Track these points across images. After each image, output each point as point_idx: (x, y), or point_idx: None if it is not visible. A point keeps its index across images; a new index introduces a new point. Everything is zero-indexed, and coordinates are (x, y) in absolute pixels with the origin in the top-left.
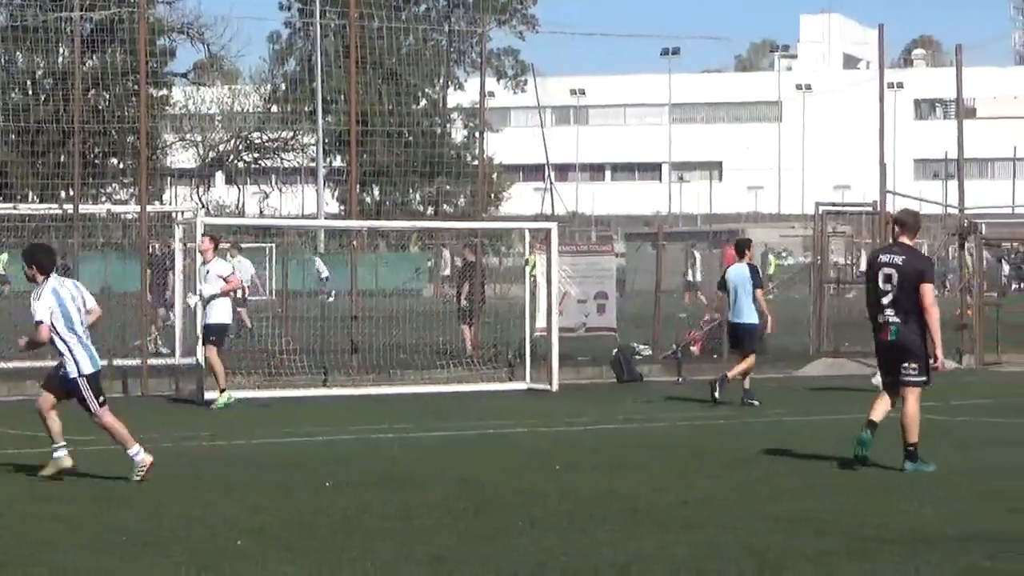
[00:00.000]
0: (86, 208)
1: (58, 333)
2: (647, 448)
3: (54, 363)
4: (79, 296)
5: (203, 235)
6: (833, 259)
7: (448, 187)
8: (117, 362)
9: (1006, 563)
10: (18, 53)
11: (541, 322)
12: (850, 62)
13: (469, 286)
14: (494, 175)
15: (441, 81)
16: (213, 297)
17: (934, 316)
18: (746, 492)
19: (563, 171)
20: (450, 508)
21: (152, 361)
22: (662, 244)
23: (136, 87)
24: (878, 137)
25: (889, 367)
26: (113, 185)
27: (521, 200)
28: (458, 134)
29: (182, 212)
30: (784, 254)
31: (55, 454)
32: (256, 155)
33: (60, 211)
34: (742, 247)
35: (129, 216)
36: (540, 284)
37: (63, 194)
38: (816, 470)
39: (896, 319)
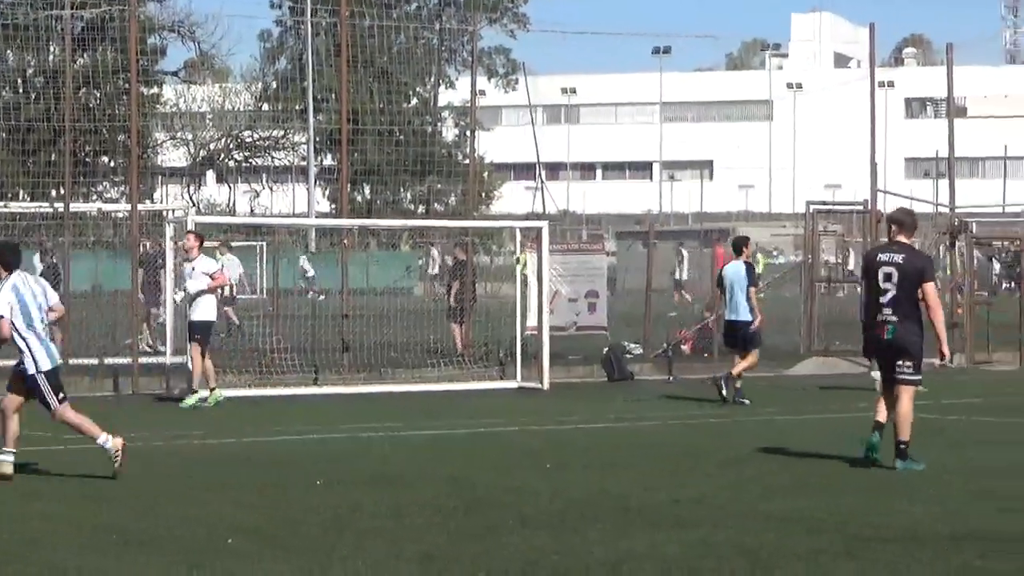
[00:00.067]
0: (77, 207)
1: (17, 330)
2: (638, 447)
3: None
4: (41, 293)
5: (188, 232)
6: (824, 258)
7: (439, 186)
8: (108, 361)
9: (997, 562)
10: (8, 51)
11: (532, 321)
12: (841, 61)
13: (460, 285)
14: (485, 174)
15: (432, 80)
16: (200, 293)
17: (939, 314)
18: (738, 491)
19: (554, 170)
20: (440, 506)
21: (143, 360)
22: (653, 243)
23: (127, 85)
24: (869, 136)
25: (885, 366)
26: (104, 184)
27: (512, 199)
28: (449, 133)
29: (173, 211)
30: (775, 253)
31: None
32: (247, 154)
33: (51, 210)
34: (739, 245)
35: (120, 215)
36: (531, 283)
37: (54, 193)
38: (808, 469)
39: (894, 318)
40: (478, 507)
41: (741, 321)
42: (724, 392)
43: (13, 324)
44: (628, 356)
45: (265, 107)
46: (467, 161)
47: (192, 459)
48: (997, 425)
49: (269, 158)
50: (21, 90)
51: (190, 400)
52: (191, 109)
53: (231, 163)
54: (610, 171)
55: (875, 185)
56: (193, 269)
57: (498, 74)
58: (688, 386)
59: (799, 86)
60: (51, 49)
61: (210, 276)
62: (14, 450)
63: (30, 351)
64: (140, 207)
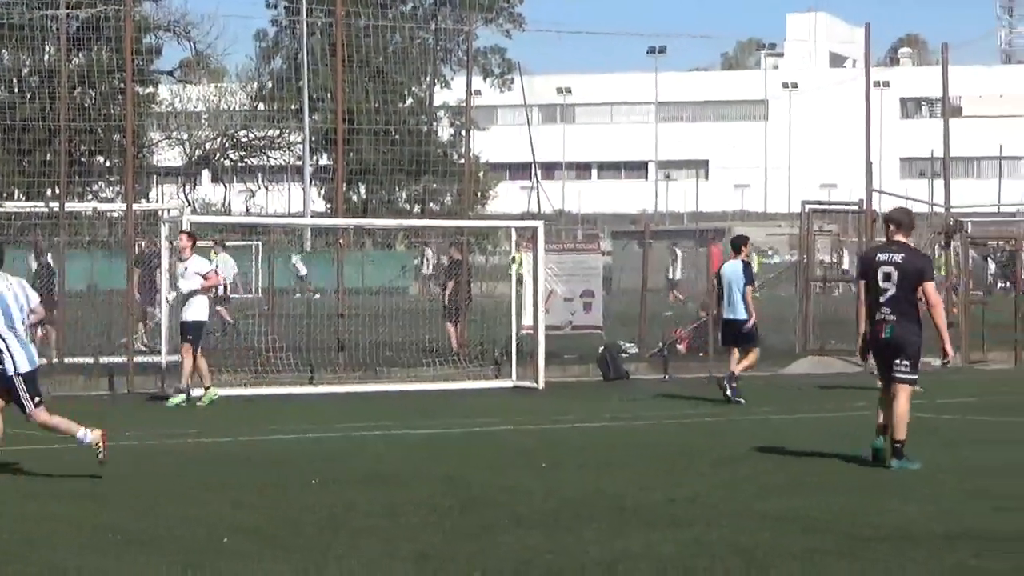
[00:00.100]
0: (72, 206)
1: None
2: (633, 446)
3: (43, 360)
4: (22, 295)
5: (181, 232)
6: (819, 258)
7: (435, 185)
8: (104, 360)
9: (992, 561)
10: (4, 51)
11: (528, 320)
12: (836, 60)
13: (455, 284)
14: (480, 173)
15: (428, 79)
16: (193, 293)
17: (940, 313)
18: (733, 490)
19: (550, 169)
20: (436, 506)
21: (138, 359)
22: (648, 242)
23: (122, 85)
24: (864, 136)
25: (882, 364)
26: (99, 183)
27: (508, 198)
28: (444, 132)
29: (168, 210)
30: (770, 253)
31: None
32: (242, 153)
33: (46, 209)
34: (738, 244)
35: (115, 214)
36: (527, 282)
37: (49, 192)
38: (803, 468)
39: (892, 317)
40: (473, 506)
41: (739, 320)
42: (728, 392)
43: None
44: (623, 355)
45: (261, 107)
46: (463, 161)
47: (188, 458)
48: (992, 424)
49: (265, 158)
50: (16, 89)
51: (175, 399)
52: (186, 109)
53: (227, 163)
54: (606, 171)
55: (870, 185)
56: (186, 269)
57: (494, 74)
58: (683, 385)
59: (794, 86)
60: (46, 49)
61: (203, 276)
62: None
63: (9, 352)
64: (135, 207)
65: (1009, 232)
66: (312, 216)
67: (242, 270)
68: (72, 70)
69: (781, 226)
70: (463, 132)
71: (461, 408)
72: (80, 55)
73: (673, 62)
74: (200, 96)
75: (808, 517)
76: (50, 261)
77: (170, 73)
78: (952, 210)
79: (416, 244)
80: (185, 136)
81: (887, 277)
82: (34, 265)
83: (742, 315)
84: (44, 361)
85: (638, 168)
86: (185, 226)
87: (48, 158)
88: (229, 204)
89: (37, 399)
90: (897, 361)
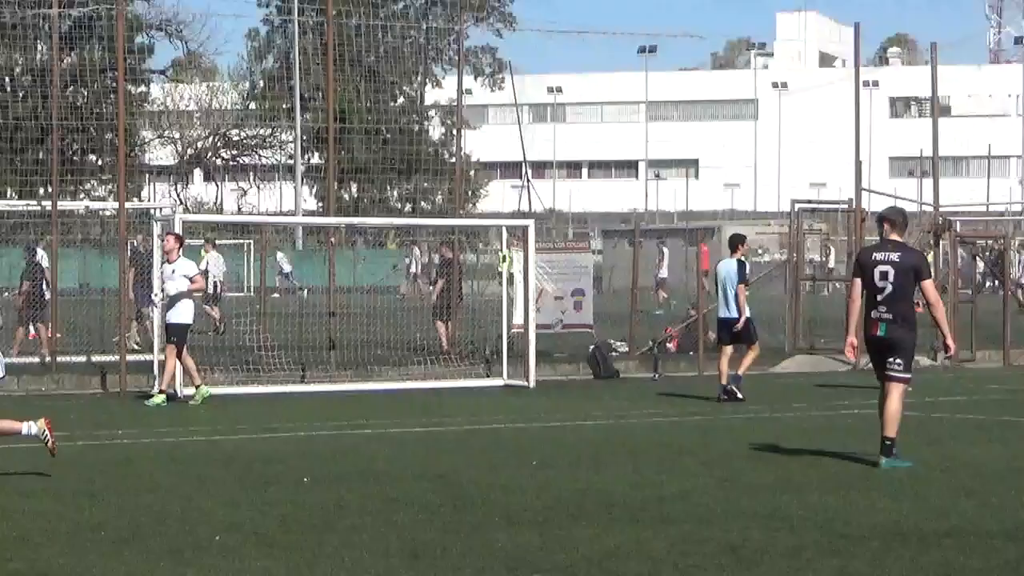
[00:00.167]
0: (64, 205)
1: None
2: (624, 444)
3: (35, 359)
4: None
5: (168, 234)
6: (809, 256)
7: (426, 184)
8: (96, 358)
9: (979, 559)
10: None
11: (518, 319)
12: (826, 60)
13: (446, 283)
14: (471, 172)
15: (419, 78)
16: (179, 296)
17: (940, 309)
18: (723, 488)
19: (540, 168)
20: (427, 503)
21: (131, 358)
22: (639, 241)
23: (114, 84)
24: (854, 135)
25: (877, 362)
26: (92, 182)
27: (498, 197)
28: (436, 131)
29: (160, 209)
30: (760, 252)
31: None
32: (234, 152)
33: (39, 208)
34: (735, 242)
35: (108, 213)
36: (517, 281)
37: (42, 191)
38: (792, 466)
39: (889, 315)
40: (465, 504)
41: (734, 318)
42: (740, 395)
43: None
44: (614, 354)
45: (252, 106)
46: (453, 160)
47: (180, 456)
48: (980, 422)
49: (256, 156)
50: (9, 88)
51: (156, 399)
52: (178, 108)
53: (218, 161)
54: (596, 170)
55: (860, 184)
56: (173, 271)
57: (484, 73)
58: (673, 384)
59: (784, 85)
60: (39, 47)
61: (189, 280)
62: None
63: None
64: (127, 205)
65: (997, 231)
66: (304, 215)
67: (233, 269)
68: (64, 69)
69: (771, 225)
70: (454, 131)
71: (452, 407)
72: (72, 54)
73: (663, 62)
74: (192, 95)
75: (797, 515)
76: (38, 260)
77: (162, 72)
78: (941, 209)
79: (408, 243)
80: (177, 135)
81: (884, 276)
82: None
83: (735, 313)
84: (36, 360)
85: (628, 167)
86: (177, 225)
87: (40, 157)
88: (221, 203)
89: None
90: (891, 359)
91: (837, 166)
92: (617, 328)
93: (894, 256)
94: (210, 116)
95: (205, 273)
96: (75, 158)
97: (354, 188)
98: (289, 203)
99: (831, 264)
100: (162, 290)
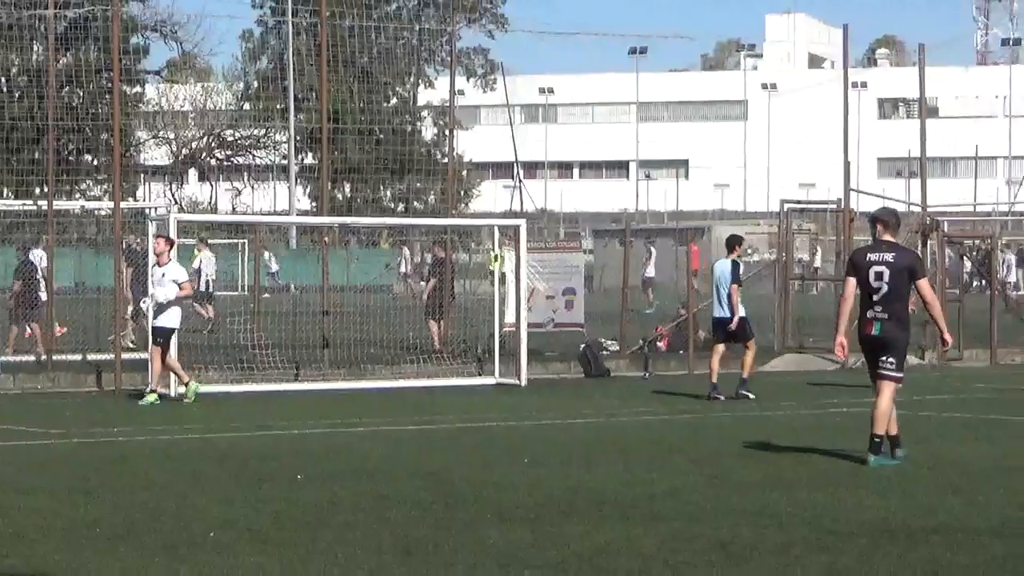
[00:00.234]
0: (60, 204)
1: None
2: (614, 442)
3: (31, 357)
4: None
5: (158, 237)
6: (798, 256)
7: (418, 184)
8: (91, 357)
9: (965, 555)
10: None
11: (510, 317)
12: (815, 62)
13: (439, 282)
14: (464, 172)
15: (412, 79)
16: (170, 302)
17: (936, 306)
18: (713, 485)
19: (532, 169)
20: (420, 501)
21: (126, 356)
22: (629, 241)
23: (110, 84)
24: (842, 136)
25: (870, 361)
26: (87, 182)
27: (490, 197)
28: (428, 132)
29: (155, 208)
30: (749, 251)
31: None
32: (229, 152)
33: (34, 207)
34: (731, 243)
35: (103, 212)
36: (509, 280)
37: (38, 190)
38: (782, 464)
39: (884, 315)
40: (457, 501)
41: (727, 317)
42: (750, 395)
43: None
44: (604, 353)
45: (247, 106)
46: (446, 160)
47: (175, 454)
48: (967, 421)
49: (251, 157)
50: (5, 89)
51: (149, 398)
52: (173, 108)
53: (213, 161)
54: (587, 170)
55: (848, 184)
56: (163, 275)
57: (477, 74)
58: (664, 382)
59: (773, 86)
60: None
61: (178, 285)
62: None
63: None
64: (123, 205)
65: (984, 231)
66: (297, 214)
67: (228, 268)
68: (60, 70)
69: (760, 225)
70: (447, 132)
71: (444, 405)
72: (68, 55)
73: (653, 63)
74: (187, 96)
75: (785, 512)
76: (30, 258)
77: (157, 73)
78: (928, 209)
79: (401, 242)
80: (172, 135)
81: (879, 276)
82: (16, 262)
83: (729, 313)
84: (32, 358)
85: (619, 167)
86: (172, 224)
87: (36, 157)
88: (216, 202)
89: None
90: (884, 358)
91: (826, 166)
92: (608, 327)
93: (889, 256)
94: (205, 116)
95: (198, 272)
96: (71, 158)
97: (347, 188)
98: (283, 203)
99: (817, 263)
100: (151, 297)
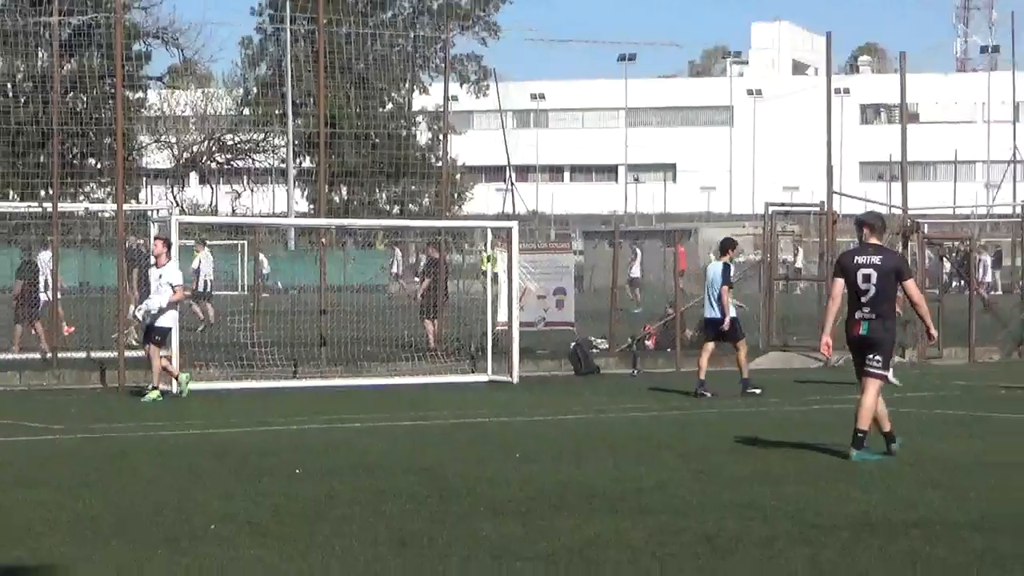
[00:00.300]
0: (65, 206)
1: None
2: (604, 438)
3: (36, 355)
4: None
5: (156, 239)
6: (782, 257)
7: (413, 187)
8: (95, 355)
9: (943, 548)
10: None
11: (502, 317)
12: (799, 68)
13: (433, 282)
14: (457, 176)
15: (407, 85)
16: (162, 310)
17: (923, 305)
18: (699, 480)
19: (523, 172)
20: (415, 495)
21: (129, 354)
22: (618, 242)
23: (113, 90)
24: (825, 140)
25: (857, 360)
26: (91, 184)
27: (483, 200)
28: (423, 136)
29: (157, 210)
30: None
31: None
32: (229, 156)
33: (40, 209)
34: (725, 246)
35: (106, 214)
36: (501, 280)
37: (43, 193)
38: (767, 459)
39: (872, 315)
40: (451, 495)
41: (718, 317)
42: (756, 390)
43: None
44: (594, 351)
45: (246, 111)
46: (440, 163)
47: (176, 449)
48: (946, 418)
49: (250, 160)
50: (11, 94)
51: (151, 395)
52: (175, 113)
53: (213, 165)
54: (577, 173)
55: (831, 187)
56: (160, 277)
57: (470, 80)
58: (652, 380)
59: (759, 92)
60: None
61: (172, 288)
62: None
63: None
64: (125, 207)
65: (963, 233)
66: (296, 216)
67: (227, 268)
68: (64, 75)
69: (745, 227)
70: (441, 136)
71: (439, 401)
72: (72, 61)
73: (642, 69)
74: (188, 101)
75: (770, 506)
76: (33, 259)
77: (159, 79)
78: (909, 212)
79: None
80: (173, 139)
81: (867, 279)
82: (18, 261)
83: (721, 312)
84: (37, 356)
85: (608, 171)
86: (174, 226)
87: (41, 160)
88: (216, 205)
89: None
90: (870, 356)
91: (809, 170)
92: (597, 325)
93: (876, 259)
94: (205, 121)
95: (196, 272)
96: (75, 161)
97: (344, 191)
98: (281, 205)
99: (798, 264)
100: (144, 305)
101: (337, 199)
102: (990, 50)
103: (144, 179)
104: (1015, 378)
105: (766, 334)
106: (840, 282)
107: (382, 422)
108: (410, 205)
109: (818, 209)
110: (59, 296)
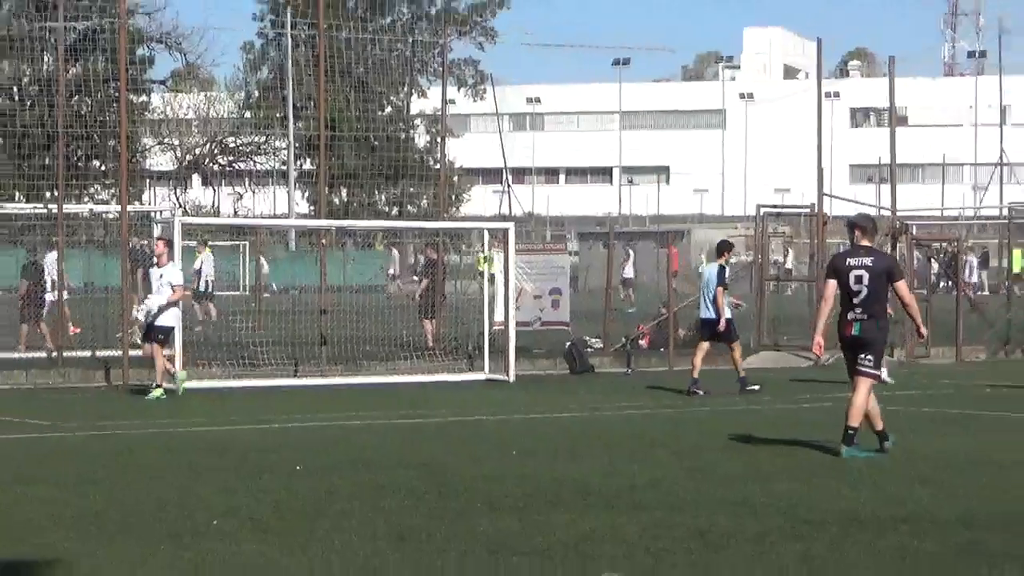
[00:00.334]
0: (70, 208)
1: None
2: (599, 435)
3: (42, 353)
4: None
5: (158, 239)
6: (773, 258)
7: (412, 189)
8: (100, 353)
9: (931, 543)
10: (5, 61)
11: (499, 316)
12: (790, 73)
13: (431, 283)
14: (455, 178)
15: (405, 89)
16: (161, 310)
17: (913, 305)
18: (692, 477)
19: (520, 174)
20: (413, 490)
21: (133, 353)
22: (613, 243)
23: (117, 93)
24: (816, 143)
25: (849, 359)
26: (95, 186)
27: (480, 202)
28: (421, 139)
29: (160, 212)
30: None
31: None
32: (231, 158)
33: (45, 211)
34: (721, 249)
35: (110, 215)
36: (498, 281)
37: (48, 195)
38: (758, 456)
39: (864, 316)
40: (448, 491)
41: (712, 318)
42: (755, 387)
43: None
44: (589, 350)
45: (248, 114)
46: (438, 166)
47: (179, 446)
48: (934, 416)
49: (252, 163)
50: (17, 98)
51: (155, 393)
52: (178, 116)
53: (215, 167)
54: (573, 176)
55: (821, 189)
56: (161, 276)
57: (467, 84)
58: (645, 378)
59: (750, 96)
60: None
61: (172, 288)
62: None
63: None
64: (129, 208)
65: (951, 234)
66: (296, 218)
67: (229, 269)
68: (70, 79)
69: (738, 228)
70: (438, 139)
71: (437, 399)
72: (77, 65)
73: (636, 73)
74: (190, 104)
75: (761, 502)
76: (37, 259)
77: (162, 82)
78: (898, 213)
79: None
80: (176, 142)
81: (859, 280)
82: (24, 261)
83: (716, 314)
84: (44, 355)
85: (603, 173)
86: (176, 227)
87: (47, 162)
88: (218, 206)
89: None
90: (862, 356)
91: (800, 172)
92: (592, 325)
93: (867, 261)
94: (208, 124)
95: (198, 272)
96: (80, 164)
97: (344, 193)
98: (283, 206)
99: (788, 265)
100: (144, 305)
101: (337, 201)
102: (977, 55)
103: (147, 181)
104: (1001, 377)
105: (757, 333)
106: (833, 283)
107: (381, 420)
108: (408, 207)
109: (809, 211)
110: (66, 296)
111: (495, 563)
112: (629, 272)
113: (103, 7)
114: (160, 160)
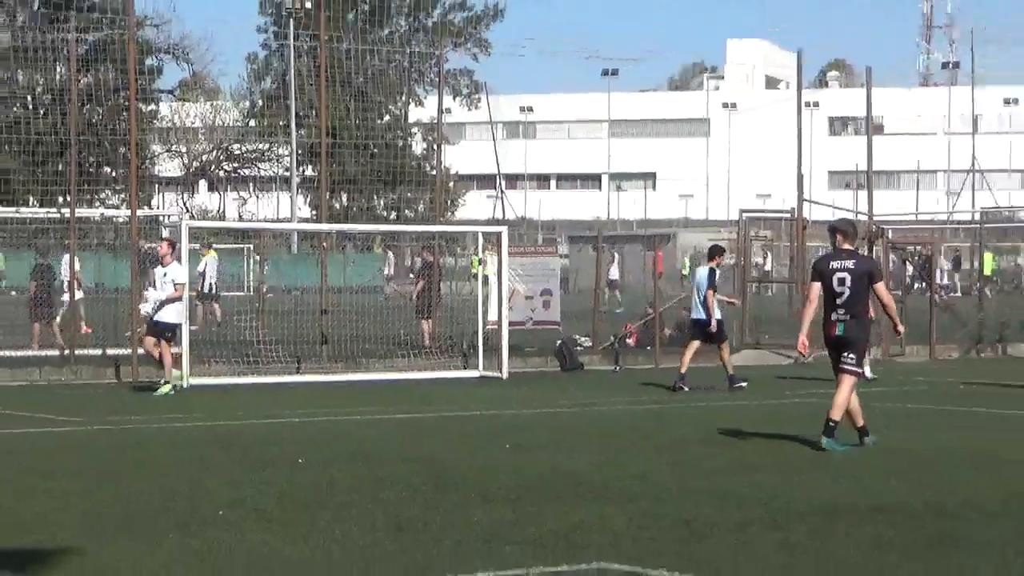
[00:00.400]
0: (82, 212)
1: None
2: (588, 430)
3: (54, 351)
4: None
5: (162, 240)
6: (755, 260)
7: (409, 194)
8: (110, 351)
9: (906, 533)
10: (19, 71)
11: (492, 316)
12: (771, 83)
13: (427, 284)
14: (450, 183)
15: (403, 98)
16: (162, 304)
17: (892, 304)
18: (678, 470)
19: (513, 180)
20: (411, 483)
21: (141, 351)
22: (602, 247)
23: (127, 102)
24: (796, 151)
25: (834, 358)
26: (106, 191)
27: (475, 206)
28: (418, 146)
29: (168, 216)
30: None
31: None
32: (236, 165)
33: (58, 215)
34: (712, 252)
35: (121, 219)
36: (492, 282)
37: (61, 199)
38: (742, 450)
39: (846, 316)
40: (445, 483)
41: (703, 319)
42: (743, 383)
43: None
44: (579, 348)
45: (252, 123)
46: (434, 172)
47: (186, 440)
48: (908, 411)
49: (256, 169)
50: (31, 106)
51: (163, 389)
52: (185, 124)
53: (221, 173)
54: (563, 181)
55: (801, 195)
56: (165, 274)
57: (462, 93)
58: (633, 375)
59: (734, 106)
60: (57, 69)
61: (174, 285)
62: None
63: None
64: (139, 213)
65: (925, 238)
66: (299, 221)
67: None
68: (81, 89)
69: (721, 232)
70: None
71: (433, 396)
72: (88, 75)
73: (624, 83)
74: (197, 113)
75: (743, 494)
76: (46, 262)
77: (170, 92)
78: (875, 218)
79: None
80: (184, 149)
81: (842, 282)
82: (37, 261)
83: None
84: (56, 353)
85: (592, 179)
86: (183, 231)
87: (60, 168)
88: (224, 210)
89: None
90: (846, 354)
91: (781, 179)
92: (582, 324)
93: (849, 264)
94: (214, 132)
95: (202, 274)
96: (91, 170)
97: (344, 197)
98: (285, 211)
99: (767, 267)
100: (146, 298)
101: (337, 205)
102: (951, 66)
103: (156, 186)
104: (973, 375)
105: (740, 333)
106: (817, 286)
107: (380, 415)
108: (406, 211)
109: (789, 215)
110: (79, 296)
111: (489, 552)
112: (614, 274)
113: (114, 19)
114: (168, 166)
